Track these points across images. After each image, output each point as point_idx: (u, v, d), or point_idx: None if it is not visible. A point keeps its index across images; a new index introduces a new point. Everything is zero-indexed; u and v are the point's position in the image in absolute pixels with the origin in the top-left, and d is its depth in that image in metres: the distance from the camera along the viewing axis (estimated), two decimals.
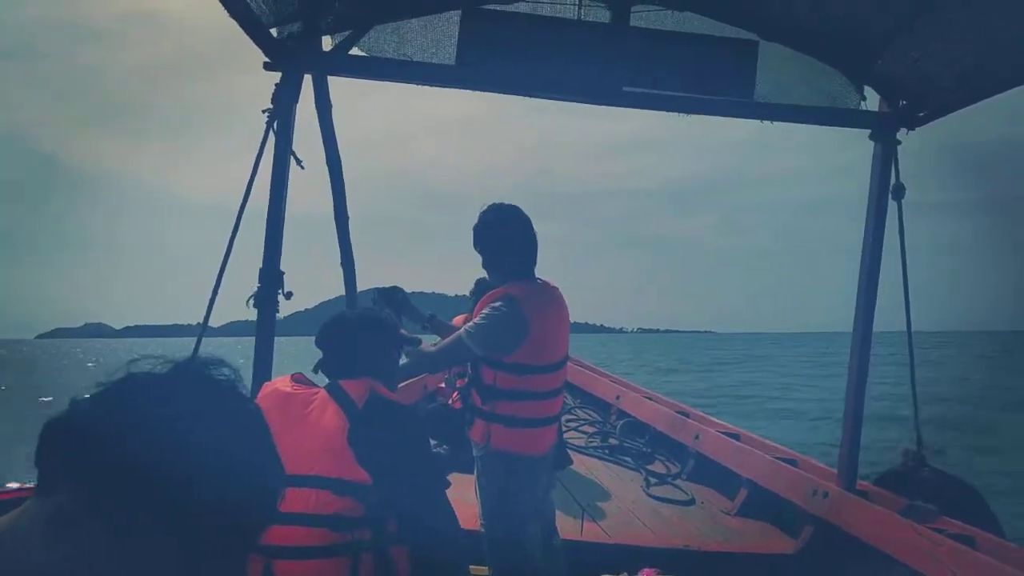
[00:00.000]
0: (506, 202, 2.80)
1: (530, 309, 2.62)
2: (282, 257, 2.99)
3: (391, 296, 2.83)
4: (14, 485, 3.85)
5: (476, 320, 2.65)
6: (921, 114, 3.19)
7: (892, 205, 3.25)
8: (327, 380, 2.05)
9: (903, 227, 3.30)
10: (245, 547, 0.84)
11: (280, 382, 2.06)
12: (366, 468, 1.78)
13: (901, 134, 3.22)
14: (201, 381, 0.82)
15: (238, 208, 2.98)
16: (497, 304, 2.63)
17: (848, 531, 3.14)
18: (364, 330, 2.15)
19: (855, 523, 3.14)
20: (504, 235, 2.76)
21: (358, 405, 1.86)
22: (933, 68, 2.98)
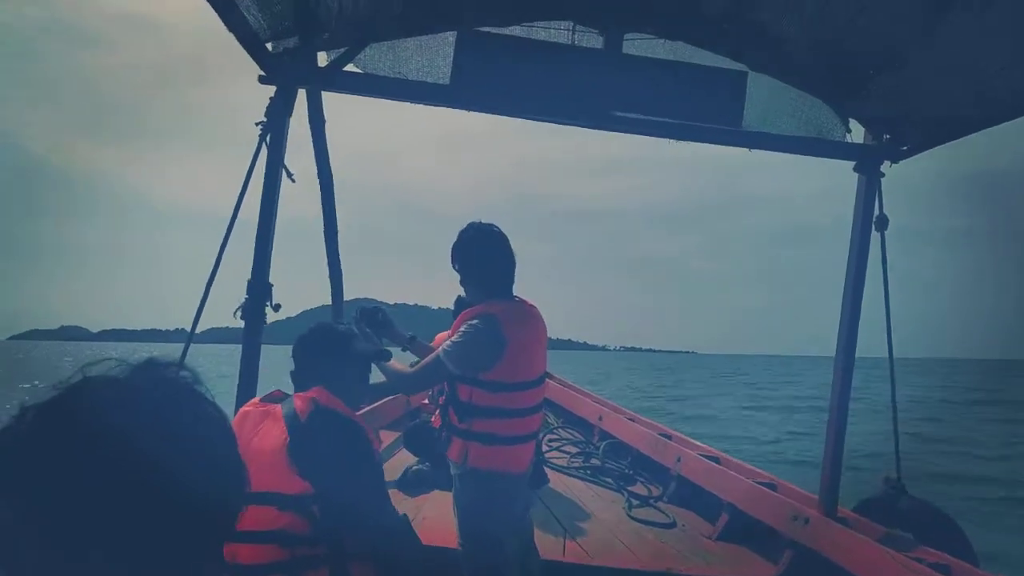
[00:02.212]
0: (484, 221, 2.82)
1: (507, 326, 2.64)
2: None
3: (372, 316, 2.82)
4: None
5: (453, 339, 2.66)
6: (905, 148, 3.26)
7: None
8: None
9: (886, 257, 3.37)
10: (205, 556, 0.80)
11: (249, 403, 2.08)
12: (307, 479, 1.78)
13: (884, 166, 3.29)
14: (158, 383, 0.78)
15: (229, 218, 2.98)
16: (474, 322, 2.65)
17: (828, 557, 3.16)
18: (318, 342, 2.18)
19: (834, 550, 3.15)
20: (482, 253, 2.77)
21: (301, 417, 1.87)
22: (918, 104, 3.06)
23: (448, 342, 2.67)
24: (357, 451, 1.95)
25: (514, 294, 2.81)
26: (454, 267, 2.82)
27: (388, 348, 2.77)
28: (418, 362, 2.92)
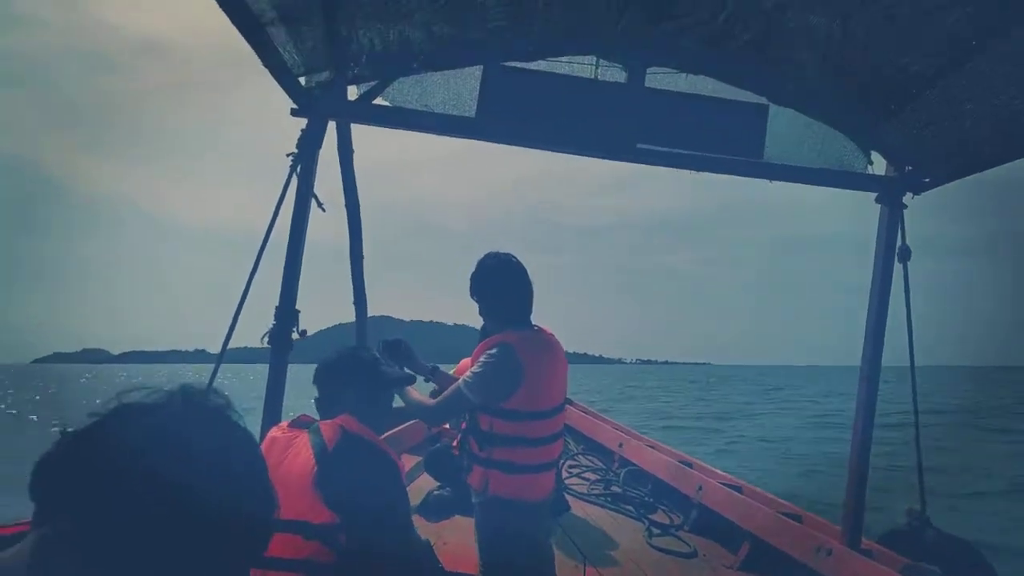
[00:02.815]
0: (502, 251, 2.88)
1: (525, 355, 2.67)
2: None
3: (395, 348, 2.87)
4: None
5: (473, 369, 2.70)
6: (927, 179, 3.27)
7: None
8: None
9: (908, 288, 3.36)
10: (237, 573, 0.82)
11: (276, 428, 2.11)
12: (333, 508, 1.80)
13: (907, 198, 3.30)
14: (191, 410, 0.81)
15: (252, 240, 3.07)
16: (493, 352, 2.69)
17: None
18: (347, 370, 2.22)
19: None
20: (500, 283, 2.82)
21: (328, 446, 1.89)
22: (939, 136, 3.08)
23: (468, 373, 2.71)
24: (386, 481, 1.98)
25: (532, 323, 2.85)
26: (472, 297, 2.87)
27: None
28: (439, 391, 2.96)
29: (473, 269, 2.86)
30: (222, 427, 0.82)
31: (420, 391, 2.91)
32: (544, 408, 2.73)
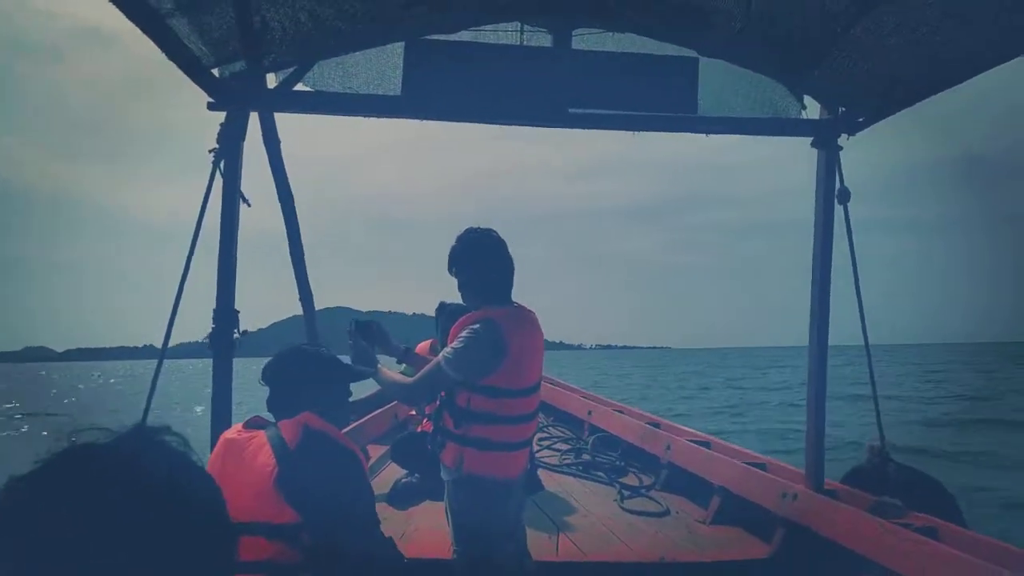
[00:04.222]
0: (481, 226, 2.79)
1: (508, 331, 2.61)
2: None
3: (367, 329, 2.79)
4: None
5: (453, 345, 2.63)
6: (860, 119, 3.28)
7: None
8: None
9: (851, 230, 3.38)
10: None
11: (231, 430, 2.06)
12: (297, 507, 1.77)
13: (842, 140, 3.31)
14: (146, 452, 0.78)
15: (190, 239, 2.94)
16: (476, 327, 2.61)
17: (818, 532, 3.18)
18: (301, 368, 2.16)
19: (824, 523, 3.18)
20: (480, 259, 2.72)
21: (290, 445, 1.86)
22: (868, 75, 3.07)
23: (448, 349, 2.64)
24: (349, 478, 1.95)
25: (512, 300, 2.78)
26: (451, 272, 2.76)
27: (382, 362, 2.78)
28: (412, 372, 2.90)
29: (453, 244, 2.73)
30: (179, 469, 0.79)
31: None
32: (524, 386, 2.69)
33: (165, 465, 0.78)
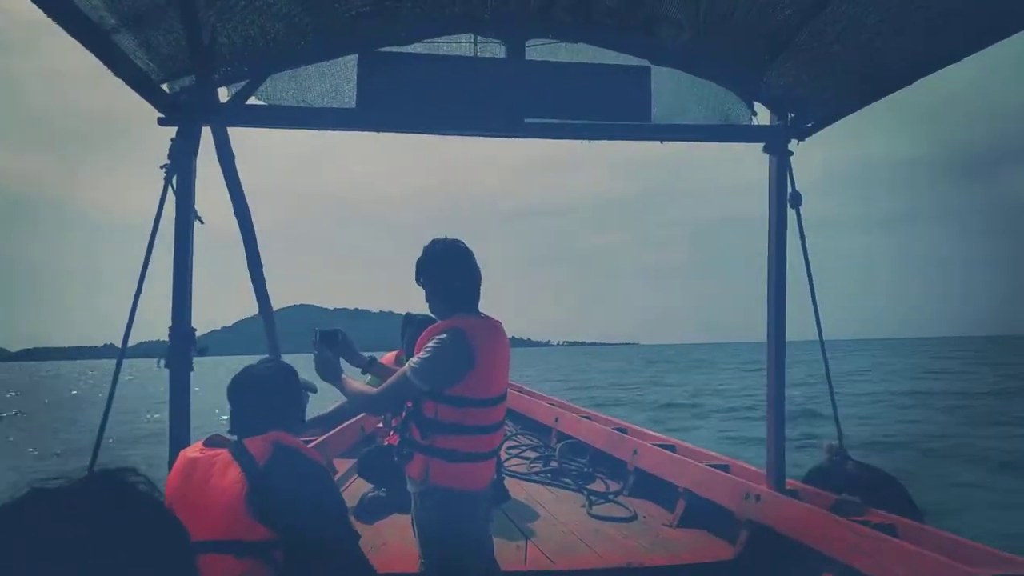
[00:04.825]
0: (448, 236, 2.79)
1: (476, 340, 2.61)
2: (193, 286, 2.92)
3: (332, 338, 2.77)
4: None
5: (421, 355, 2.62)
6: (809, 124, 3.35)
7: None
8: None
9: (804, 232, 3.45)
10: None
11: (191, 448, 2.03)
12: (269, 524, 1.76)
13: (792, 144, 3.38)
14: (110, 496, 0.75)
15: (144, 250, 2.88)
16: (443, 336, 2.61)
17: (781, 531, 3.23)
18: (270, 383, 2.16)
19: (786, 523, 3.22)
20: (448, 269, 2.72)
21: (259, 463, 1.85)
22: (814, 81, 3.15)
23: (415, 359, 2.62)
24: (325, 493, 1.96)
25: (479, 310, 2.79)
26: (418, 283, 2.77)
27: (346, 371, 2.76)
28: (378, 383, 2.89)
29: (420, 255, 2.74)
30: (145, 514, 0.77)
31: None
32: (491, 396, 2.69)
33: (132, 512, 0.75)
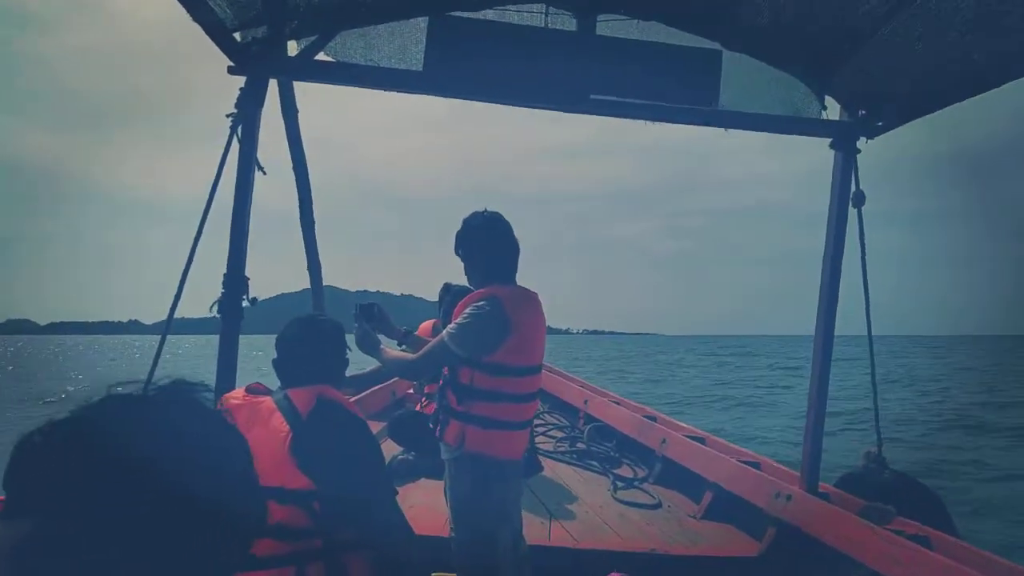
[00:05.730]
0: (488, 209, 2.81)
1: (512, 309, 2.63)
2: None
3: (369, 311, 2.88)
4: None
5: (458, 321, 2.64)
6: (880, 123, 3.26)
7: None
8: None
9: (863, 233, 3.37)
10: (231, 568, 0.79)
11: (233, 394, 2.07)
12: (310, 475, 1.79)
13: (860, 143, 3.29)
14: (184, 404, 0.78)
15: (198, 208, 2.92)
16: (481, 303, 2.64)
17: (809, 533, 3.19)
18: (324, 334, 2.20)
19: (816, 525, 3.19)
20: (487, 241, 2.77)
21: (303, 414, 1.87)
22: (891, 79, 3.06)
23: (453, 325, 2.66)
24: (366, 447, 1.98)
25: (516, 282, 2.81)
26: (457, 254, 2.82)
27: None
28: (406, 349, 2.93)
29: (460, 227, 2.80)
30: (215, 425, 0.79)
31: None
32: (526, 364, 2.71)
33: (200, 420, 0.77)
